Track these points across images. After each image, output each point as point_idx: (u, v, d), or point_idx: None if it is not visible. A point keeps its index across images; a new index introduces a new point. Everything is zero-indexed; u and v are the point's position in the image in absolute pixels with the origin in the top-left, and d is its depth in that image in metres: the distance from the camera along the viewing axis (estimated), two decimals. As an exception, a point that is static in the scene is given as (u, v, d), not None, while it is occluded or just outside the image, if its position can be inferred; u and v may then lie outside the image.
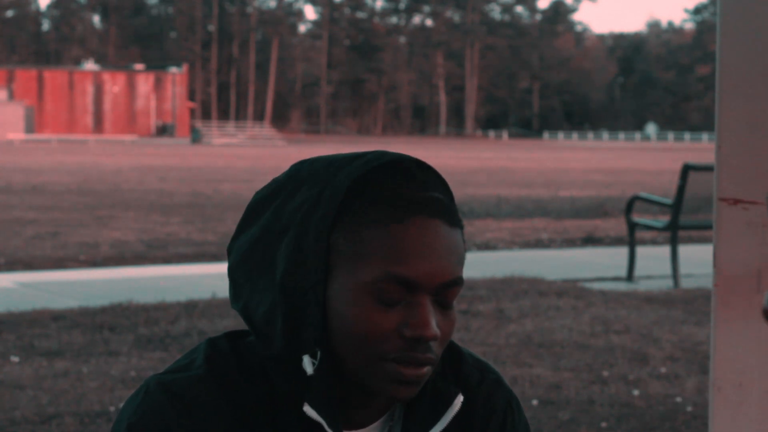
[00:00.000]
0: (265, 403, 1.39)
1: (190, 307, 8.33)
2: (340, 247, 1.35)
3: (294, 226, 1.37)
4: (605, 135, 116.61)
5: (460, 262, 1.37)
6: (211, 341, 1.43)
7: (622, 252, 12.36)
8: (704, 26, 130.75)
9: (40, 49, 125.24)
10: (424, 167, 1.39)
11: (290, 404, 1.38)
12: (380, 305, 1.33)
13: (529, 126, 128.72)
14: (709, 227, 10.38)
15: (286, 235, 1.37)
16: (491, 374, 1.53)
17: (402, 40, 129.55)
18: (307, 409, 1.35)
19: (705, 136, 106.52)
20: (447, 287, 1.35)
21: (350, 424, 1.42)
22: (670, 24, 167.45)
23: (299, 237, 1.36)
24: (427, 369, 1.36)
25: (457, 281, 1.36)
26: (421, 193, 1.36)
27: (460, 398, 1.44)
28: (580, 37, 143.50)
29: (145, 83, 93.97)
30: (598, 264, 12.05)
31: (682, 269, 10.65)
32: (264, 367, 1.40)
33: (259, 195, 1.44)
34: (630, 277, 10.64)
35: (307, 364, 1.35)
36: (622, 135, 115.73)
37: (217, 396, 1.37)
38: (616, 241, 14.20)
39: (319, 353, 1.35)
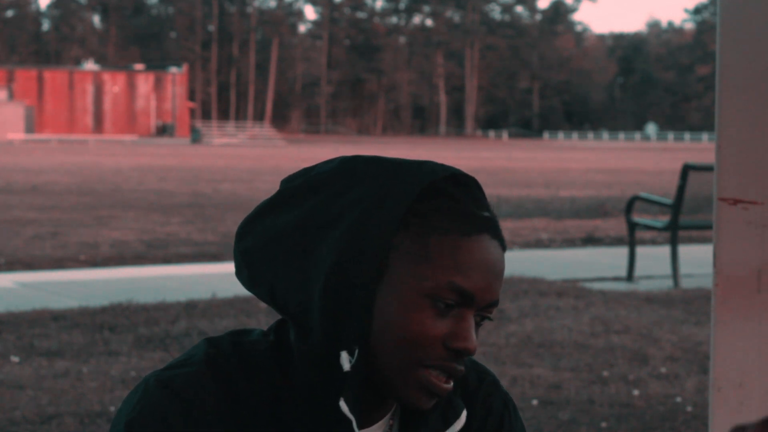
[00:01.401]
0: (268, 400, 1.38)
1: (190, 307, 8.33)
2: (403, 249, 1.36)
3: (349, 219, 1.36)
4: (605, 135, 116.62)
5: (502, 285, 1.43)
6: (211, 339, 1.43)
7: (622, 252, 12.36)
8: (704, 26, 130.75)
9: (40, 49, 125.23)
10: (480, 187, 1.43)
11: (313, 398, 1.38)
12: (433, 312, 1.35)
13: (529, 126, 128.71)
14: (709, 227, 10.38)
15: (334, 228, 1.37)
16: (489, 377, 1.55)
17: (402, 40, 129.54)
18: (342, 405, 1.35)
19: (705, 136, 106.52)
20: (491, 306, 1.40)
21: (361, 422, 1.43)
22: (670, 24, 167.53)
23: (356, 232, 1.36)
24: (451, 384, 1.39)
25: (498, 302, 1.41)
26: (484, 212, 1.40)
27: (465, 413, 1.47)
28: (580, 37, 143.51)
29: (145, 83, 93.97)
30: (598, 264, 12.05)
31: (682, 269, 10.65)
32: (267, 364, 1.40)
33: (295, 182, 1.43)
34: (630, 277, 10.64)
35: (345, 360, 1.35)
36: (622, 135, 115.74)
37: (216, 391, 1.37)
38: (616, 241, 14.20)
39: (356, 350, 1.36)
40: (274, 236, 1.40)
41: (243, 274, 1.43)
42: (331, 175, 1.41)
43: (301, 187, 1.42)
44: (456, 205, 1.38)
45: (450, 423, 1.45)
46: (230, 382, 1.38)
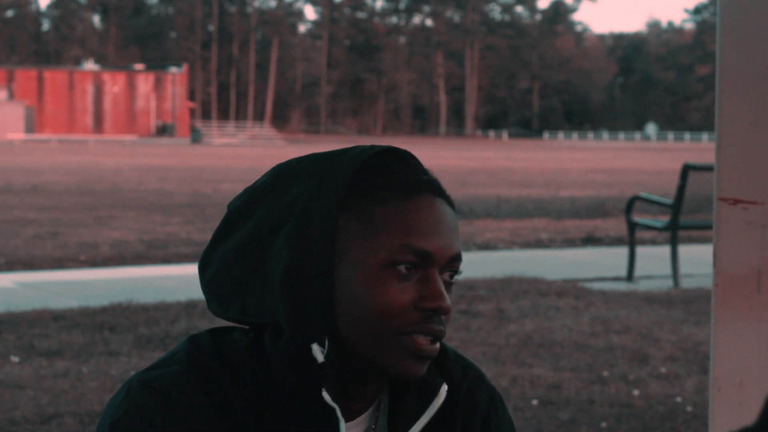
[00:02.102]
0: (251, 396, 1.39)
1: (190, 307, 8.33)
2: (350, 230, 1.38)
3: (292, 218, 1.39)
4: (605, 135, 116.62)
5: (459, 240, 1.43)
6: (193, 337, 1.44)
7: (622, 252, 12.36)
8: (704, 26, 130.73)
9: (40, 49, 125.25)
10: (415, 157, 1.45)
11: (293, 394, 1.38)
12: (396, 280, 1.36)
13: (529, 126, 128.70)
14: (709, 227, 10.38)
15: (281, 230, 1.39)
16: (474, 371, 1.55)
17: (402, 40, 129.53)
18: (325, 395, 1.36)
19: (705, 136, 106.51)
20: (453, 262, 1.40)
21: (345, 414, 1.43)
22: (670, 24, 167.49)
23: (301, 227, 1.38)
24: (437, 345, 1.39)
25: (460, 257, 1.42)
26: (421, 175, 1.42)
27: (444, 388, 1.46)
28: (580, 37, 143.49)
29: (145, 83, 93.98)
30: (598, 264, 12.05)
31: (682, 269, 10.65)
32: (248, 362, 1.40)
33: (237, 202, 1.45)
34: (630, 277, 10.64)
35: (317, 352, 1.36)
36: (622, 135, 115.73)
37: (199, 390, 1.38)
38: (616, 241, 14.19)
39: (327, 340, 1.36)
40: (231, 258, 1.42)
41: (213, 305, 1.45)
42: (268, 184, 1.44)
43: (244, 204, 1.44)
44: (392, 175, 1.40)
45: (428, 402, 1.45)
46: (213, 380, 1.39)
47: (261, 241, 1.40)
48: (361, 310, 1.36)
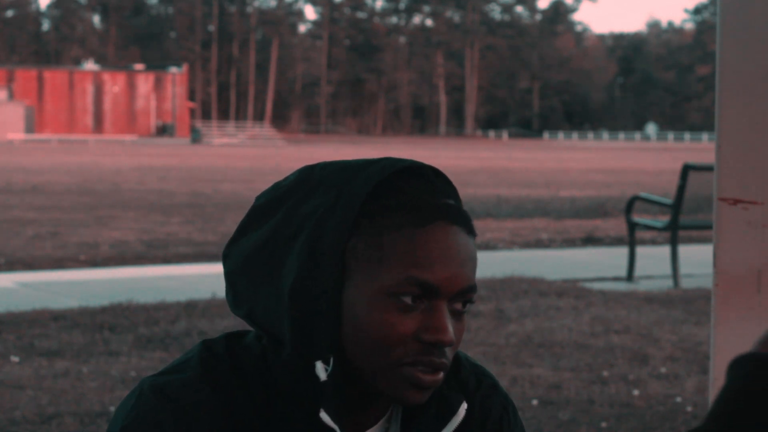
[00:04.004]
0: (262, 406, 1.38)
1: (190, 307, 8.33)
2: (358, 252, 1.34)
3: (307, 230, 1.36)
4: (605, 135, 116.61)
5: (475, 269, 1.38)
6: (206, 343, 1.42)
7: (622, 252, 12.36)
8: (704, 26, 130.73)
9: (40, 49, 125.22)
10: (440, 174, 1.40)
11: (297, 408, 1.37)
12: (399, 310, 1.33)
13: (529, 126, 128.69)
14: (709, 227, 10.38)
15: (296, 240, 1.36)
16: (488, 378, 1.53)
17: (402, 40, 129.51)
18: (323, 416, 1.34)
19: (705, 136, 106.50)
20: (464, 294, 1.36)
21: (350, 428, 1.42)
22: (670, 24, 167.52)
23: (313, 241, 1.35)
24: (440, 375, 1.36)
25: (473, 288, 1.37)
26: (440, 199, 1.37)
27: (464, 406, 1.44)
28: (580, 37, 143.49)
29: (145, 83, 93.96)
30: (598, 264, 12.05)
31: (682, 269, 10.65)
32: (260, 369, 1.39)
33: (263, 198, 1.43)
34: (630, 277, 10.64)
35: (320, 370, 1.34)
36: (622, 135, 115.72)
37: (211, 398, 1.36)
38: (616, 241, 14.19)
39: (331, 359, 1.34)
40: (248, 257, 1.40)
41: (229, 296, 1.44)
42: (290, 187, 1.41)
43: (267, 203, 1.42)
44: (406, 198, 1.35)
45: (446, 420, 1.43)
46: (224, 388, 1.37)
47: (277, 248, 1.38)
48: (364, 335, 1.34)
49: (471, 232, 1.38)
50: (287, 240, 1.37)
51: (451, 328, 1.34)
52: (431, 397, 1.43)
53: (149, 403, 1.36)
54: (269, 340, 1.39)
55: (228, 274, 1.43)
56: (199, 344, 1.43)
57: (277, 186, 1.43)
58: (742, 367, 0.97)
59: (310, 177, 1.40)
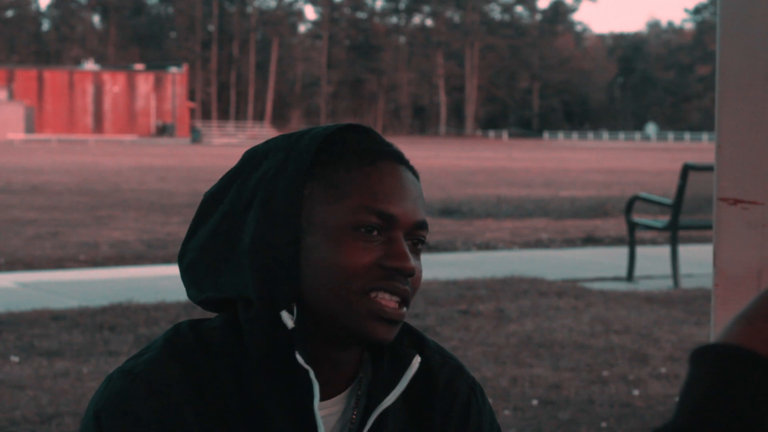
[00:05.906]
0: (230, 373, 1.41)
1: (190, 307, 8.33)
2: (316, 195, 1.41)
3: (260, 191, 1.42)
4: (605, 135, 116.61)
5: (425, 208, 1.46)
6: (172, 327, 1.46)
7: (622, 252, 12.36)
8: (704, 26, 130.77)
9: (40, 49, 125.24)
10: (376, 132, 1.49)
11: (269, 365, 1.40)
12: (360, 241, 1.39)
13: (529, 126, 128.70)
14: (709, 227, 10.39)
15: (250, 207, 1.43)
16: (452, 360, 1.56)
17: (402, 40, 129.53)
18: (298, 357, 1.37)
19: (705, 136, 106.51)
20: (418, 228, 1.43)
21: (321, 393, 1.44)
22: (670, 24, 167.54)
23: (268, 198, 1.41)
24: (404, 310, 1.40)
25: (426, 225, 1.44)
26: (383, 145, 1.46)
27: (417, 359, 1.47)
28: (580, 37, 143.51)
29: (145, 83, 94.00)
30: (598, 264, 12.05)
31: (682, 269, 10.65)
32: (226, 341, 1.42)
33: (210, 191, 1.49)
34: (630, 277, 10.64)
35: (287, 319, 1.39)
36: (622, 135, 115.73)
37: (178, 373, 1.39)
38: (616, 241, 14.19)
39: (295, 306, 1.39)
40: (207, 240, 1.46)
41: (191, 291, 1.48)
42: (238, 167, 1.48)
43: (217, 190, 1.48)
44: (356, 145, 1.44)
45: (401, 373, 1.46)
46: (191, 360, 1.41)
47: (234, 220, 1.44)
48: (327, 273, 1.38)
49: (416, 174, 1.47)
50: (244, 209, 1.43)
51: (411, 258, 1.40)
52: (384, 357, 1.47)
53: (119, 385, 1.39)
54: (241, 305, 1.42)
55: (186, 270, 1.48)
56: (165, 331, 1.47)
57: (223, 176, 1.50)
58: (707, 359, 0.96)
59: (255, 153, 1.48)
